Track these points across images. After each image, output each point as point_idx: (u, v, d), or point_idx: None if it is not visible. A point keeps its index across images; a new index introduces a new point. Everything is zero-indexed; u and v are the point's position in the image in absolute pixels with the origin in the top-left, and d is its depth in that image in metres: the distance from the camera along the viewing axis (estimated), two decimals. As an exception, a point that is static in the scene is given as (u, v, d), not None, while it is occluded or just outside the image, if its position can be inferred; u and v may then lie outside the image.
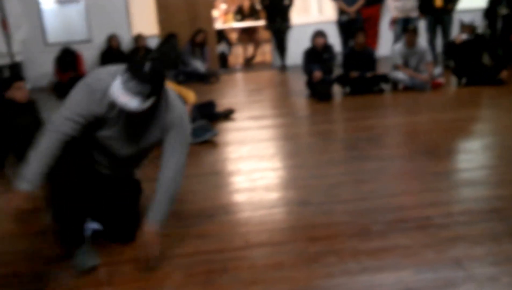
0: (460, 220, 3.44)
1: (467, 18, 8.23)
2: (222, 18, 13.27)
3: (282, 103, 8.08)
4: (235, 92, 9.28)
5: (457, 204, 3.76)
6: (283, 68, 11.18)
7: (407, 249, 3.10)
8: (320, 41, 7.96)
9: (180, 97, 6.16)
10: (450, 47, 8.55)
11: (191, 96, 6.20)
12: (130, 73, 2.74)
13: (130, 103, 2.73)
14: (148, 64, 2.80)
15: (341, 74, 8.08)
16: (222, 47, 12.31)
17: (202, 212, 3.87)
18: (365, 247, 3.15)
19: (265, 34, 12.55)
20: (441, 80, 8.09)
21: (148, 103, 2.80)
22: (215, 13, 12.62)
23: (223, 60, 12.23)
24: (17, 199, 2.93)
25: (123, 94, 2.73)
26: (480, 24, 10.18)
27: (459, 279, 2.75)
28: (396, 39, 9.56)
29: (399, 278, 2.80)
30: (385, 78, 8.04)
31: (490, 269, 2.83)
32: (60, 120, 2.95)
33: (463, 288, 2.67)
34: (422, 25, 9.37)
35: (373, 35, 9.95)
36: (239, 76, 11.31)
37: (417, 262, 2.94)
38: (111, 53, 10.44)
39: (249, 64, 12.63)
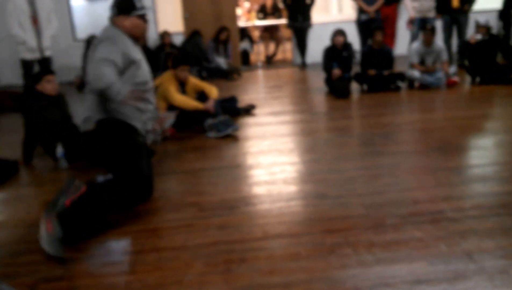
0: (472, 214, 3.49)
1: (482, 19, 8.26)
2: (245, 16, 13.34)
3: (302, 99, 8.13)
4: (256, 89, 9.33)
5: (469, 199, 3.80)
6: (303, 65, 11.23)
7: (420, 241, 3.16)
8: (340, 39, 8.03)
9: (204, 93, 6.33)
10: (465, 47, 8.59)
11: (213, 91, 6.30)
12: None
13: None
14: None
15: (359, 72, 8.15)
16: (244, 45, 12.38)
17: (222, 203, 3.95)
18: (379, 240, 3.22)
19: (286, 32, 12.62)
20: (455, 78, 8.14)
21: None
22: (239, 11, 12.69)
23: (245, 57, 12.29)
24: None
25: None
26: (495, 25, 10.19)
27: (469, 272, 2.80)
28: (413, 38, 9.57)
29: (412, 269, 2.86)
30: (401, 76, 8.10)
31: (500, 262, 2.88)
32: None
33: (474, 280, 2.72)
34: (438, 25, 9.38)
35: (390, 34, 9.96)
36: (260, 73, 11.35)
37: (430, 255, 3.00)
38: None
39: (270, 61, 12.68)
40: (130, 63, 3.93)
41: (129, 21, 3.99)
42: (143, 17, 4.06)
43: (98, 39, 3.93)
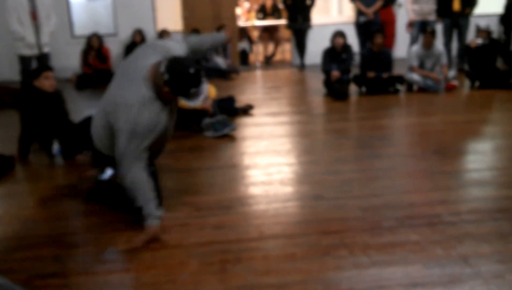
0: (468, 219, 3.50)
1: (483, 23, 8.26)
2: (245, 16, 13.35)
3: (300, 101, 8.13)
4: (254, 89, 9.33)
5: (465, 203, 3.82)
6: (302, 66, 11.23)
7: (416, 245, 3.17)
8: (339, 41, 8.02)
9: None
10: (465, 51, 8.60)
11: (212, 91, 6.30)
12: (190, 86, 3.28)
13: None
14: (192, 68, 3.25)
15: (358, 74, 8.15)
16: (243, 45, 12.39)
17: (219, 203, 3.95)
18: (375, 242, 3.23)
19: (285, 33, 12.62)
20: (455, 82, 8.16)
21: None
22: (238, 11, 12.69)
23: (244, 57, 12.29)
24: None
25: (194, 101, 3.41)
26: (495, 29, 10.19)
27: (465, 276, 2.81)
28: (413, 41, 9.57)
29: (407, 272, 2.87)
30: (400, 79, 8.10)
31: (496, 266, 2.90)
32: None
33: (469, 284, 2.73)
34: (438, 28, 9.39)
35: (389, 36, 9.93)
36: (259, 73, 11.34)
37: (425, 258, 3.01)
38: (135, 47, 10.55)
39: (269, 62, 12.68)
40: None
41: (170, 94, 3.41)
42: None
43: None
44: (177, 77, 3.26)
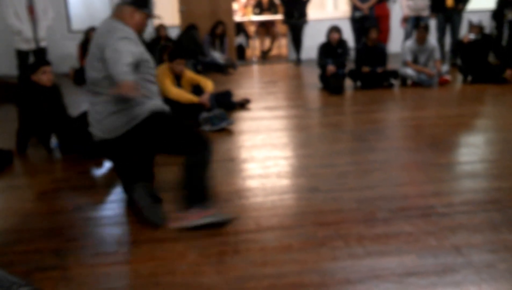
0: (461, 210, 3.55)
1: (475, 19, 8.33)
2: (242, 11, 13.34)
3: (296, 95, 8.16)
4: (251, 83, 9.35)
5: (458, 194, 3.87)
6: (298, 61, 11.25)
7: (410, 235, 3.22)
8: (335, 36, 8.06)
9: (199, 87, 6.35)
10: (458, 46, 8.65)
11: (209, 85, 6.32)
12: None
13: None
14: None
15: (353, 69, 8.20)
16: (240, 39, 12.39)
17: (217, 196, 3.93)
18: (370, 233, 3.27)
19: (282, 28, 12.63)
20: (447, 77, 8.21)
21: None
22: (235, 5, 12.69)
23: (241, 52, 12.29)
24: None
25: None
26: (488, 24, 10.24)
27: (458, 265, 2.86)
28: (407, 36, 9.62)
29: (402, 262, 2.92)
30: (394, 74, 8.16)
31: (487, 256, 2.95)
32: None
33: (462, 273, 2.78)
34: (432, 24, 9.44)
35: (383, 31, 9.95)
36: (256, 68, 11.35)
37: (419, 248, 3.06)
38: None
39: (265, 56, 12.69)
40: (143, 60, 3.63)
41: (139, 16, 3.67)
42: (148, 18, 3.76)
43: (106, 34, 3.50)
44: None
